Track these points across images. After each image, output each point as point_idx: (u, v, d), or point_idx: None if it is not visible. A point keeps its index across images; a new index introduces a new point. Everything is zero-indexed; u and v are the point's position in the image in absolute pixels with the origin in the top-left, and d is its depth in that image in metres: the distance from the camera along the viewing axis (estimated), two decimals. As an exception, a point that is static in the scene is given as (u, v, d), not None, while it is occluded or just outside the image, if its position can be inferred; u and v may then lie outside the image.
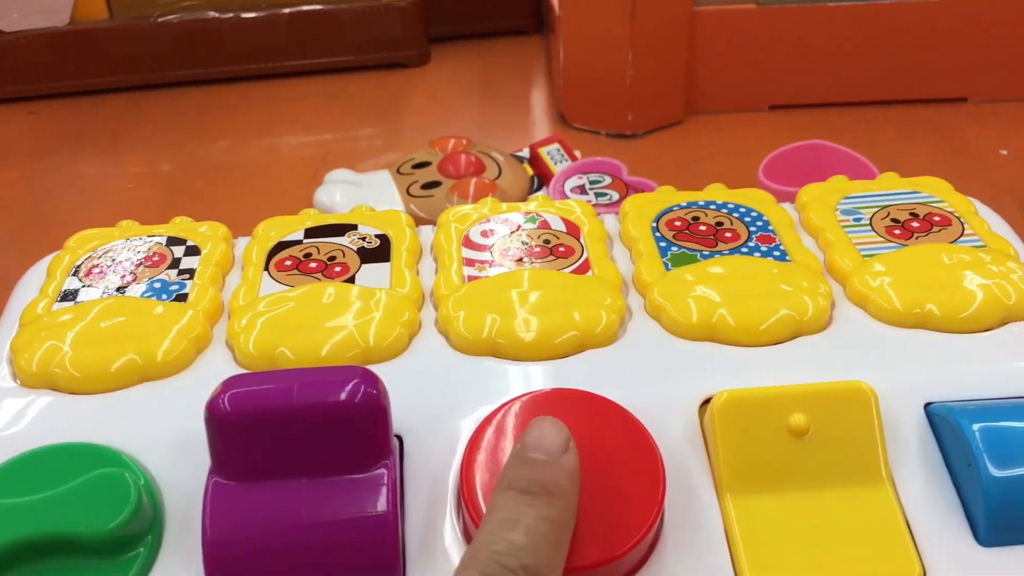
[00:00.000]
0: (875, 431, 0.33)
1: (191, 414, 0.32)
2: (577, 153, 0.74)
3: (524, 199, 0.71)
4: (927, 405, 0.35)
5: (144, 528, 0.31)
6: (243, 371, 0.37)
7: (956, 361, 0.36)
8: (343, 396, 0.30)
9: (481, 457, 0.31)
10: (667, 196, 0.47)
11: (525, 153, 0.77)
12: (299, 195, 0.76)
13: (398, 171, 0.74)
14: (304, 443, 0.30)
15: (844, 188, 0.47)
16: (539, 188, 0.73)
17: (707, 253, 0.42)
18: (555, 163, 0.73)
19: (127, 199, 0.79)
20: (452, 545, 0.31)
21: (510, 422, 0.32)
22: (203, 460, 0.31)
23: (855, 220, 0.44)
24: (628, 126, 0.84)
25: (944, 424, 0.34)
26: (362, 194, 0.71)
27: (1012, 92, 0.87)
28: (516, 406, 0.33)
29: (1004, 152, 0.79)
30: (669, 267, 0.41)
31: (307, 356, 0.37)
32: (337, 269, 0.41)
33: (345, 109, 0.93)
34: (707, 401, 0.34)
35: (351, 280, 0.41)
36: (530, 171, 0.75)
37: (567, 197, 0.66)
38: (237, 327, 0.38)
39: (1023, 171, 0.75)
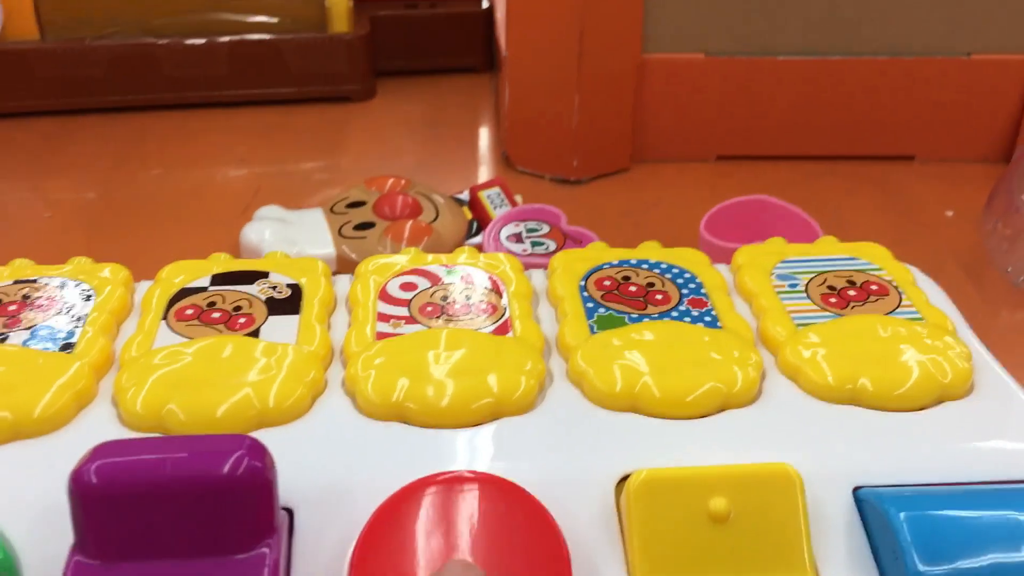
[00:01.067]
0: (799, 518, 0.31)
1: (63, 480, 0.30)
2: (518, 198, 0.73)
3: (461, 244, 0.70)
4: (856, 489, 0.33)
5: (-4, 610, 0.28)
6: (126, 432, 0.34)
7: (888, 442, 0.35)
8: (222, 470, 0.28)
9: (375, 556, 0.29)
10: (598, 253, 0.45)
11: (466, 196, 0.75)
12: (228, 230, 0.74)
13: (331, 210, 0.72)
14: (178, 520, 0.28)
15: (781, 251, 0.46)
16: (477, 233, 0.71)
17: (636, 316, 0.40)
18: (495, 208, 0.71)
19: (44, 228, 0.76)
20: (339, 636, 0.29)
21: (408, 513, 0.30)
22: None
23: (791, 286, 0.43)
24: (573, 172, 0.83)
25: (872, 511, 0.32)
26: (292, 232, 0.69)
27: (959, 152, 0.87)
28: (415, 496, 0.31)
29: (949, 213, 0.79)
30: (595, 330, 0.39)
31: (199, 418, 0.34)
32: (242, 320, 0.39)
33: (283, 142, 0.91)
34: (625, 478, 0.32)
35: (255, 333, 0.38)
36: (469, 215, 0.73)
37: (502, 245, 0.64)
38: (125, 382, 0.35)
39: (967, 233, 0.75)
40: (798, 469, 0.32)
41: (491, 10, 1.05)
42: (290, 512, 0.31)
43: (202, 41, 0.93)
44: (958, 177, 0.85)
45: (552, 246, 0.62)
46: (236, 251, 0.69)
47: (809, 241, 0.56)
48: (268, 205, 0.73)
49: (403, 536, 0.30)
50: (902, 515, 0.31)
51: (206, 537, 0.28)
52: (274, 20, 0.96)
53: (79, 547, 0.28)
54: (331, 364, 0.38)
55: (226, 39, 0.93)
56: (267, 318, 0.39)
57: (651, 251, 0.46)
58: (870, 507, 0.32)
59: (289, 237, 0.69)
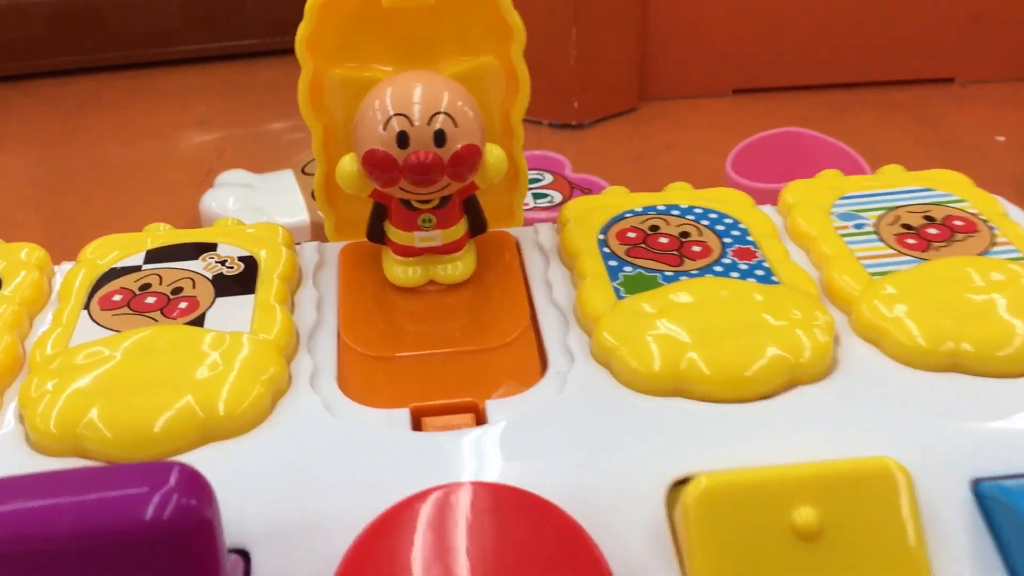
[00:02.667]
0: (910, 524, 0.25)
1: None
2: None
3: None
4: (975, 483, 0.26)
5: None
6: (36, 457, 0.27)
7: (1007, 418, 0.28)
8: (142, 515, 0.21)
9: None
10: (618, 200, 0.38)
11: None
12: (188, 200, 0.67)
13: (303, 171, 0.65)
14: (86, 584, 0.21)
15: (838, 185, 0.39)
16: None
17: (670, 274, 0.33)
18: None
19: (-20, 209, 0.69)
20: None
21: (396, 543, 0.24)
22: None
23: (856, 227, 0.36)
24: (573, 115, 0.76)
25: (1000, 509, 0.25)
26: (259, 199, 0.62)
27: (1002, 71, 0.80)
28: (403, 520, 0.24)
29: (1000, 139, 0.72)
30: (621, 294, 0.32)
31: (129, 435, 0.27)
32: (182, 305, 0.32)
33: (248, 101, 0.84)
34: (679, 483, 0.26)
35: (199, 320, 0.31)
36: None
37: (500, 199, 0.57)
38: (35, 391, 0.29)
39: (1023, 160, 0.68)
40: (902, 461, 0.25)
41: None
42: (245, 555, 0.25)
43: (151, -9, 0.86)
44: (1004, 98, 0.78)
45: (557, 197, 0.55)
46: (197, 223, 0.62)
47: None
48: (232, 169, 0.66)
49: (398, 564, 0.23)
50: (1043, 514, 0.24)
51: (127, 603, 0.21)
52: (230, -36, 0.88)
53: (-44, 626, 0.21)
54: (296, 354, 0.31)
55: (178, -12, 0.86)
56: (214, 300, 0.32)
57: (681, 194, 0.39)
58: (997, 504, 0.25)
59: (256, 204, 0.62)
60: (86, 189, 0.72)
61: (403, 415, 0.29)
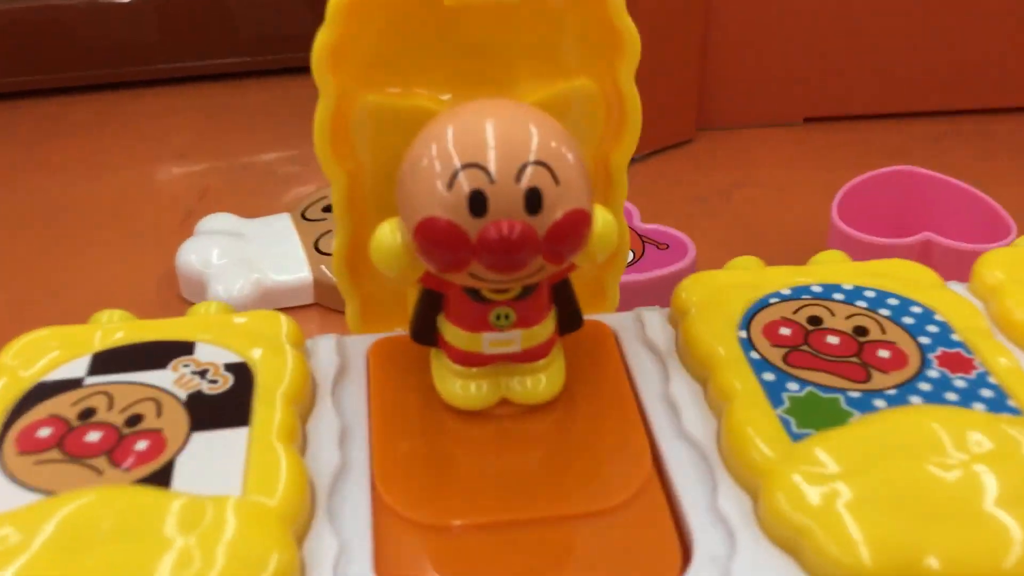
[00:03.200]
0: None
1: None
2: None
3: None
4: None
5: None
6: None
7: None
8: None
9: None
10: (750, 276, 0.29)
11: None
12: (162, 252, 0.58)
13: (303, 216, 0.56)
14: None
15: (1053, 257, 0.29)
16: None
17: (856, 396, 0.24)
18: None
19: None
20: None
21: None
22: None
23: (1103, 321, 0.26)
24: (622, 148, 0.67)
25: None
26: (250, 250, 0.54)
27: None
28: None
29: None
30: (793, 428, 0.23)
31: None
32: (140, 446, 0.22)
33: (235, 128, 0.76)
34: None
35: (164, 475, 0.22)
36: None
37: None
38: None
39: None
40: None
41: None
42: None
43: (124, 0, 0.79)
44: (1126, 129, 0.70)
45: (628, 255, 0.45)
46: (173, 280, 0.54)
47: (1001, 233, 0.41)
48: (216, 213, 0.58)
49: None
50: None
51: None
52: (217, -30, 0.82)
53: None
54: (312, 526, 0.21)
55: (155, -3, 0.80)
56: (189, 437, 0.23)
57: (837, 268, 0.29)
58: None
59: (246, 257, 0.54)
60: (37, 234, 0.63)
61: (481, 636, 0.19)
